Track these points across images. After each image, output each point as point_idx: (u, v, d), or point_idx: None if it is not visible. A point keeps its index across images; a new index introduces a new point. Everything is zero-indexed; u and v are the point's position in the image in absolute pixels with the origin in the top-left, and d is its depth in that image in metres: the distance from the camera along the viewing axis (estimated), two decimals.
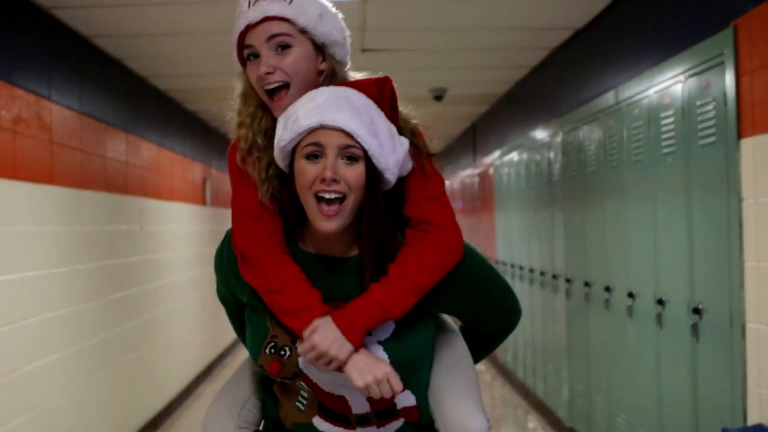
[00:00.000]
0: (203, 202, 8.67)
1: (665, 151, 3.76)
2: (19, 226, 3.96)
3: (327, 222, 1.54)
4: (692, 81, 3.49)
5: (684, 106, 3.56)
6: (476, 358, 1.78)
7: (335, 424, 1.64)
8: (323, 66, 1.67)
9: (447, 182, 11.80)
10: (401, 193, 1.64)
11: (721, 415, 3.29)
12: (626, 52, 4.35)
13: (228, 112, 1.73)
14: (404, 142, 1.61)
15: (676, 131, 3.64)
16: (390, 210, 1.61)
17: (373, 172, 1.56)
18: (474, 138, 9.66)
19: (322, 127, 1.53)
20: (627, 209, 4.29)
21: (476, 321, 1.75)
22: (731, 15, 3.16)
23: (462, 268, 1.63)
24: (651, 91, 3.92)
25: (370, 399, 1.61)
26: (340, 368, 1.56)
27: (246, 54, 1.66)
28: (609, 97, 4.54)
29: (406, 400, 1.64)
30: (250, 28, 1.63)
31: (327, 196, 1.53)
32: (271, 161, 1.63)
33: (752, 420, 3.03)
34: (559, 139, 5.62)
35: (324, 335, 1.54)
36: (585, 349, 5.16)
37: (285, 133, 1.56)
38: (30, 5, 4.23)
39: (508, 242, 7.63)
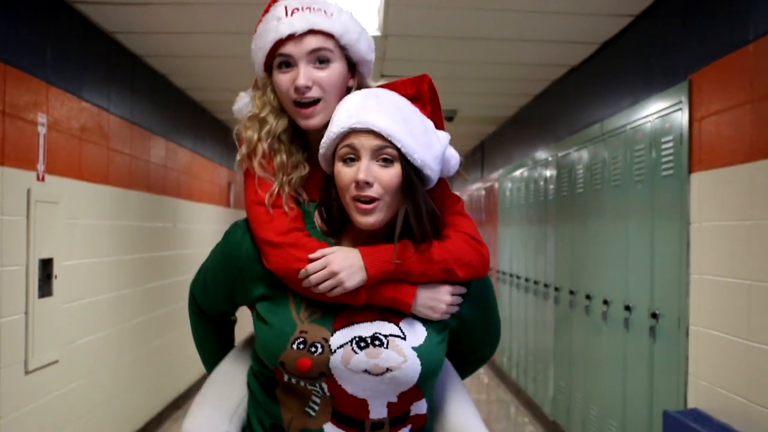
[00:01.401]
0: (228, 204, 9.31)
1: (636, 178, 4.38)
2: (81, 220, 4.61)
3: (364, 217, 1.53)
4: (658, 121, 4.11)
5: (652, 142, 4.18)
6: None
7: (348, 431, 1.57)
8: (351, 83, 1.68)
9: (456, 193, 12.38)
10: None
11: (668, 402, 3.91)
12: (610, 91, 4.98)
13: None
14: (443, 136, 1.59)
15: (645, 162, 4.26)
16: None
17: (412, 171, 1.53)
18: (482, 155, 10.20)
19: (353, 131, 1.52)
20: (606, 227, 4.92)
21: (472, 344, 1.76)
22: (689, 70, 3.79)
23: (485, 286, 1.69)
24: (628, 127, 4.55)
25: (389, 405, 1.57)
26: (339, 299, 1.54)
27: (277, 62, 1.64)
28: (596, 129, 5.17)
29: (421, 408, 1.62)
30: (291, 37, 1.60)
31: (362, 199, 1.52)
32: (285, 161, 1.64)
33: (691, 405, 3.66)
34: (554, 161, 6.24)
35: (343, 257, 1.52)
36: (568, 351, 5.77)
37: (324, 141, 1.57)
38: (97, 30, 4.90)
39: (508, 253, 8.21)
